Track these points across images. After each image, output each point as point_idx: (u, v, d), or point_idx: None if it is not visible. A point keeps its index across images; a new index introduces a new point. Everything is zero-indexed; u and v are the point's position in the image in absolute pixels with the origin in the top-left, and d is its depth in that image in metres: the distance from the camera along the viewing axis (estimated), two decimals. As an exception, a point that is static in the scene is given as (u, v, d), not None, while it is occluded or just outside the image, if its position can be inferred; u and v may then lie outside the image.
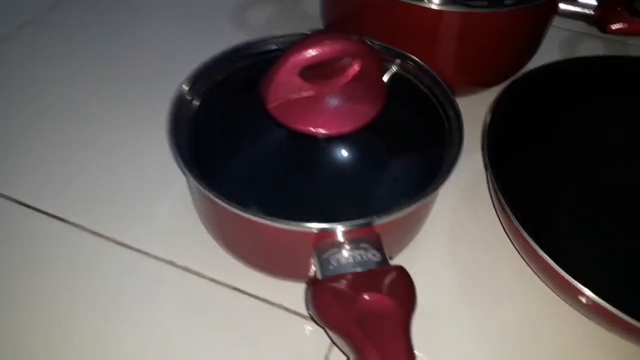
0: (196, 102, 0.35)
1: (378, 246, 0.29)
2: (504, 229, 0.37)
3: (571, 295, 0.31)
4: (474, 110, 0.44)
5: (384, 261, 0.28)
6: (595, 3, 0.44)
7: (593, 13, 0.44)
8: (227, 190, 0.29)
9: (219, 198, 0.29)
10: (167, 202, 0.40)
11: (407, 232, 0.35)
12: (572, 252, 0.36)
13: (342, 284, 0.27)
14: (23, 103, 0.47)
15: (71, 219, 0.39)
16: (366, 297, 0.26)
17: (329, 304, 0.27)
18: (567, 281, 0.29)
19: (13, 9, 0.56)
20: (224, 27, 0.55)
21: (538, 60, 0.46)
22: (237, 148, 0.33)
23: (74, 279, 0.36)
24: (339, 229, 0.28)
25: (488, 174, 0.34)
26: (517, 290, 0.36)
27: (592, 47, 0.56)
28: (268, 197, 0.31)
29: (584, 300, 0.30)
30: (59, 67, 0.50)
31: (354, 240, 0.29)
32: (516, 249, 0.36)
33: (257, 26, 0.56)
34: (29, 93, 0.48)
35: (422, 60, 0.43)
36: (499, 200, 0.33)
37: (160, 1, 0.59)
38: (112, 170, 0.42)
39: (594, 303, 0.29)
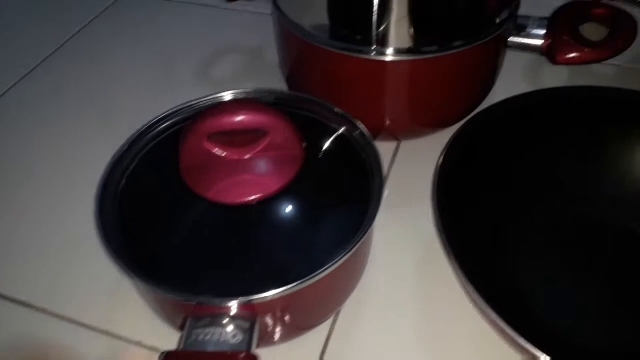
0: (122, 181, 0.36)
1: (247, 327, 0.29)
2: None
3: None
4: (431, 152, 0.44)
5: (246, 344, 0.28)
6: (544, 32, 0.44)
7: (542, 43, 0.44)
8: (147, 264, 0.30)
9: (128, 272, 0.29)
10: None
11: (319, 301, 0.34)
12: (533, 301, 0.35)
13: None
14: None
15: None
16: None
17: None
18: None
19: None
20: (188, 82, 0.56)
21: (501, 90, 0.47)
22: (157, 221, 0.34)
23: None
24: (199, 303, 0.29)
25: (438, 228, 0.34)
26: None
27: (555, 70, 0.55)
28: (188, 267, 0.32)
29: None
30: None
31: (225, 317, 0.29)
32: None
33: (222, 79, 0.57)
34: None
35: (375, 109, 0.44)
36: (452, 259, 0.32)
37: (126, 56, 0.60)
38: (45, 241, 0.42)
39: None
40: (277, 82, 0.53)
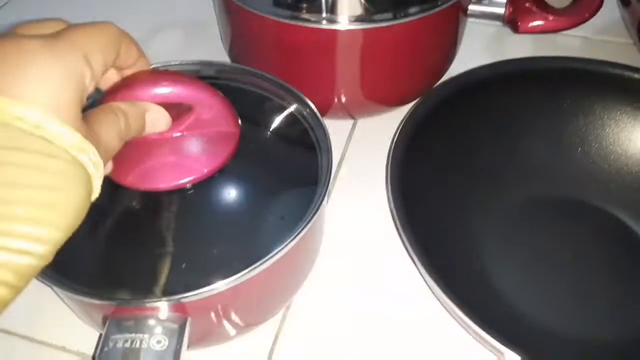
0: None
1: (174, 331, 0.25)
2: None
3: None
4: (388, 130, 0.41)
5: (172, 352, 0.25)
6: (505, 0, 0.41)
7: (504, 11, 0.41)
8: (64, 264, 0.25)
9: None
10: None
11: (264, 295, 0.30)
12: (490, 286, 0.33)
13: None
14: None
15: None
16: None
17: None
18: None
19: None
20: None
21: (462, 62, 0.44)
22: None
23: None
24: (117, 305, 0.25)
25: (393, 213, 0.31)
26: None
27: (520, 41, 0.53)
28: (108, 265, 0.28)
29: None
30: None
31: (149, 319, 0.25)
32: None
33: (163, 56, 0.52)
34: None
35: (327, 84, 0.40)
36: (407, 246, 0.29)
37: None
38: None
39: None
40: (220, 57, 0.49)
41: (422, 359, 0.32)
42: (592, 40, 0.53)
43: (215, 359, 0.32)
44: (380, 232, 0.37)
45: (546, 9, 0.39)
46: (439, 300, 0.31)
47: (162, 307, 0.25)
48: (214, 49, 0.51)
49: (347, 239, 0.37)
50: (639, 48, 0.48)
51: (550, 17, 0.39)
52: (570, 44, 0.52)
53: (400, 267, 0.35)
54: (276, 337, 0.33)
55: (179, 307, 0.26)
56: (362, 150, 0.43)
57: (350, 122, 0.45)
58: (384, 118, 0.45)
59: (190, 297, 0.25)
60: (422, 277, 0.31)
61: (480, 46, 0.52)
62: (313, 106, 0.34)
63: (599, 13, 0.41)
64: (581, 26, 0.44)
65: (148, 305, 0.25)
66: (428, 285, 0.32)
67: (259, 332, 0.33)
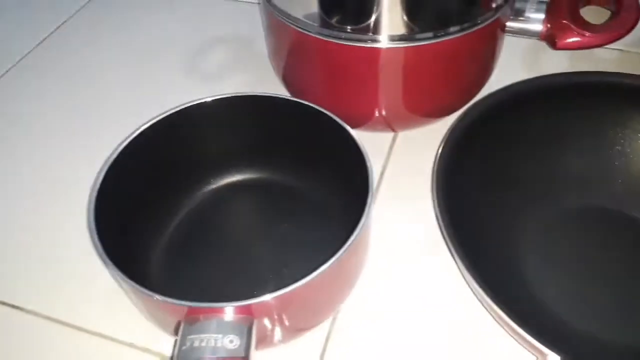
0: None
1: (244, 331, 0.27)
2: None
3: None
4: (431, 141, 0.43)
5: (243, 349, 0.27)
6: (543, 17, 0.42)
7: (541, 28, 0.42)
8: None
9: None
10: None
11: (318, 301, 0.32)
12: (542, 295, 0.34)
13: None
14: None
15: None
16: None
17: None
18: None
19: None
20: (177, 75, 0.55)
21: (500, 76, 0.45)
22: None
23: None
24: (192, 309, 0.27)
25: (439, 221, 0.33)
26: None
27: (555, 55, 0.54)
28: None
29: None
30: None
31: (221, 321, 0.27)
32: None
33: (211, 72, 0.55)
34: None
35: (370, 98, 0.42)
36: (455, 256, 0.31)
37: (111, 49, 0.59)
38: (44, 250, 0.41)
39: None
40: (267, 73, 0.52)
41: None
42: (629, 53, 0.53)
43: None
44: (421, 241, 0.39)
45: (583, 25, 0.40)
46: (484, 306, 0.32)
47: (232, 310, 0.28)
48: (260, 64, 0.54)
49: (390, 250, 0.39)
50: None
51: (587, 34, 0.40)
52: (606, 56, 0.53)
53: (444, 275, 0.37)
54: (326, 340, 0.35)
55: (247, 310, 0.28)
56: (402, 161, 0.45)
57: (390, 134, 0.47)
58: (423, 130, 0.46)
59: (258, 301, 0.27)
60: (469, 285, 0.32)
61: (516, 60, 0.53)
62: (352, 132, 0.36)
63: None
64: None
65: (220, 308, 0.27)
66: (474, 293, 0.33)
67: (309, 337, 0.35)
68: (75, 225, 0.41)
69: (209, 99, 0.37)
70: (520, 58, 0.54)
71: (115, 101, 0.52)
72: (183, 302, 0.27)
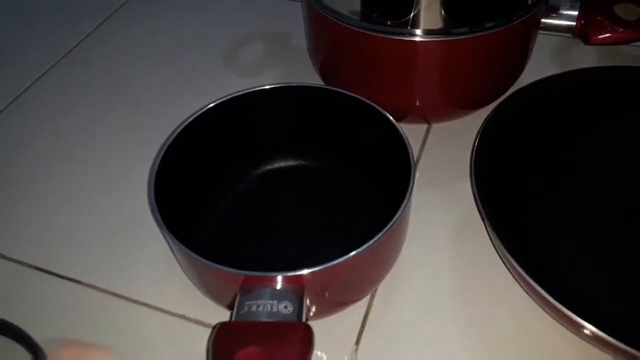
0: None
1: (296, 299, 0.29)
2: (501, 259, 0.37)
3: (575, 328, 0.31)
4: (464, 132, 0.45)
5: (296, 315, 0.29)
6: (576, 13, 0.44)
7: (575, 24, 0.44)
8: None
9: (190, 255, 0.31)
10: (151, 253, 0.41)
11: (361, 276, 0.34)
12: (574, 281, 0.35)
13: (238, 331, 0.28)
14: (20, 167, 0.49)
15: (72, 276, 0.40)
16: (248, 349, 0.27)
17: (220, 346, 0.28)
18: (571, 319, 0.29)
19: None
20: (215, 68, 0.57)
21: (530, 71, 0.47)
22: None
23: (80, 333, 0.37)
24: (252, 277, 0.29)
25: (478, 204, 0.35)
26: (516, 323, 0.36)
27: (584, 51, 0.55)
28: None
29: (587, 332, 0.29)
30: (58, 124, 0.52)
31: (275, 289, 0.29)
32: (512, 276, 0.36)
33: (249, 65, 0.58)
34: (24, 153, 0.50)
35: (406, 90, 0.44)
36: (494, 238, 0.33)
37: (150, 46, 0.61)
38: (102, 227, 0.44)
39: (597, 336, 0.28)
40: (305, 67, 0.54)
41: (509, 349, 0.35)
42: (658, 49, 0.54)
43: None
44: (459, 228, 0.41)
45: (617, 21, 0.42)
46: (530, 295, 0.33)
47: (285, 279, 0.30)
48: (296, 59, 0.56)
49: (427, 236, 0.41)
50: None
51: (620, 30, 0.41)
52: (635, 53, 0.54)
53: (479, 256, 0.39)
54: (365, 315, 0.37)
55: (298, 279, 0.30)
56: (437, 151, 0.47)
57: (424, 126, 0.49)
58: (455, 123, 0.48)
59: (311, 272, 0.29)
60: (516, 279, 0.34)
61: (546, 56, 0.54)
62: (390, 117, 0.38)
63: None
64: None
65: (274, 277, 0.30)
66: (522, 287, 0.35)
67: (349, 311, 0.37)
68: (135, 204, 0.44)
69: (267, 87, 0.40)
70: (550, 54, 0.55)
71: (163, 95, 0.55)
72: (240, 271, 0.30)
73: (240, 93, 0.39)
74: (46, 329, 0.37)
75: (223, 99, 0.39)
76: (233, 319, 0.29)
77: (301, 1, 0.63)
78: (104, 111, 0.54)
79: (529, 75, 0.45)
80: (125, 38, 0.63)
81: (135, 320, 0.37)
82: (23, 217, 0.45)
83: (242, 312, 0.29)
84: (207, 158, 0.40)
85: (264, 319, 0.28)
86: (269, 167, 0.43)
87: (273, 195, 0.41)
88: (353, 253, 0.30)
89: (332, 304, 0.34)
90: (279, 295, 0.29)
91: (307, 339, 0.28)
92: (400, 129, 0.37)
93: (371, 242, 0.30)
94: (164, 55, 0.60)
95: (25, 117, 0.54)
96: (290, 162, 0.43)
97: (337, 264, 0.30)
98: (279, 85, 0.40)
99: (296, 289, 0.30)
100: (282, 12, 0.64)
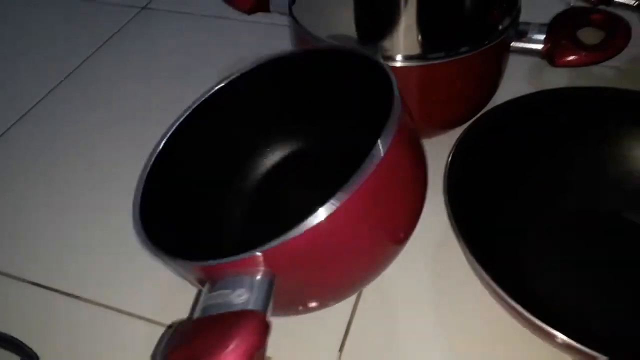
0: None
1: (251, 285, 0.26)
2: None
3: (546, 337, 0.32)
4: (441, 151, 0.47)
5: (253, 303, 0.25)
6: (543, 37, 0.47)
7: (542, 48, 0.47)
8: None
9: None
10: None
11: (331, 265, 0.29)
12: (544, 289, 0.38)
13: (179, 332, 0.26)
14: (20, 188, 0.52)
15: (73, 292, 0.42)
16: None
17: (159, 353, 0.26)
18: (542, 328, 0.31)
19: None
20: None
21: (507, 90, 0.49)
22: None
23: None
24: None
25: (450, 217, 0.37)
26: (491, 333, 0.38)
27: (558, 72, 0.58)
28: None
29: (558, 341, 0.31)
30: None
31: (231, 278, 0.26)
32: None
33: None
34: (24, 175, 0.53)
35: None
36: (463, 249, 0.35)
37: (149, 69, 0.64)
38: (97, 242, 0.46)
39: (567, 344, 0.30)
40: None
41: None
42: (624, 69, 0.58)
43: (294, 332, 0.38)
44: (439, 239, 0.43)
45: (580, 45, 0.45)
46: (500, 301, 0.36)
47: (242, 264, 0.26)
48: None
49: (408, 248, 0.42)
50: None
51: (583, 53, 0.45)
52: (604, 73, 0.58)
53: (463, 276, 0.40)
54: (349, 323, 0.39)
55: (249, 262, 0.26)
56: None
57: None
58: (432, 141, 0.51)
59: (273, 245, 0.26)
60: (487, 290, 0.36)
61: (522, 76, 0.58)
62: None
63: (629, 46, 0.47)
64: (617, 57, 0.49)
65: (235, 260, 0.26)
66: (496, 294, 0.37)
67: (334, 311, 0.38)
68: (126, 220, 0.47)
69: (247, 69, 0.41)
70: (525, 75, 0.58)
71: (158, 109, 0.58)
72: (194, 262, 0.28)
73: (222, 84, 0.41)
74: (39, 341, 0.39)
75: (204, 97, 0.41)
76: (196, 310, 0.27)
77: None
78: (98, 127, 0.57)
79: (506, 94, 0.48)
80: (126, 58, 0.66)
81: (124, 330, 0.40)
82: (11, 230, 0.48)
83: (200, 307, 0.27)
84: (199, 159, 0.41)
85: (215, 312, 0.25)
86: (266, 158, 0.44)
87: (273, 188, 0.42)
88: (308, 221, 0.26)
89: (311, 297, 0.31)
90: (233, 284, 0.26)
91: (248, 330, 0.24)
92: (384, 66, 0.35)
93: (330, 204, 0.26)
94: (164, 77, 0.63)
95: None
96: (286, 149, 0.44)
97: (297, 232, 0.26)
98: (261, 63, 0.41)
99: (250, 273, 0.27)
100: (281, 37, 0.67)
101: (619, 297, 0.38)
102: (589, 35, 0.47)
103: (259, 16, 0.65)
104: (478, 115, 0.45)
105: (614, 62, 0.55)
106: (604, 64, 0.50)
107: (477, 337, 0.38)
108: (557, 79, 0.57)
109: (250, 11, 0.53)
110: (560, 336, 0.30)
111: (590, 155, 0.43)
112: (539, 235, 0.41)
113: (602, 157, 0.42)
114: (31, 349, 0.37)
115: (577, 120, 0.43)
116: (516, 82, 0.56)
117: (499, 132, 0.43)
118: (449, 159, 0.40)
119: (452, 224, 0.36)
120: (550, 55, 0.46)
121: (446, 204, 0.37)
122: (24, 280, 0.43)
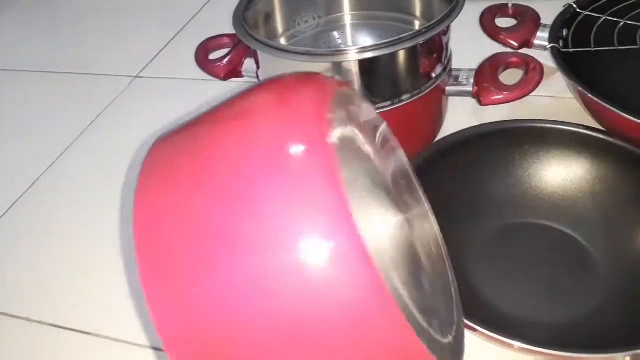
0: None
1: None
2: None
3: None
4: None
5: None
6: (472, 81, 0.56)
7: (471, 89, 0.56)
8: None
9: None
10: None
11: None
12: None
13: None
14: None
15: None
16: None
17: None
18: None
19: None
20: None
21: (453, 123, 0.58)
22: None
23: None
24: None
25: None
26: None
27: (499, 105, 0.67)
28: None
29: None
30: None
31: None
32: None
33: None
34: None
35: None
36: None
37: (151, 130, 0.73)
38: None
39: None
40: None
41: None
42: (557, 98, 0.66)
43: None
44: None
45: (501, 86, 0.54)
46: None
47: None
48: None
49: None
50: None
51: (504, 92, 0.54)
52: (540, 102, 0.66)
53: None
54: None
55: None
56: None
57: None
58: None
59: None
60: None
61: (467, 110, 0.66)
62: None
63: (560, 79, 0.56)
64: (548, 88, 0.59)
65: None
66: None
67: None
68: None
69: None
70: (470, 109, 0.67)
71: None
72: None
73: None
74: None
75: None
76: None
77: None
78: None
79: (452, 127, 0.57)
80: (127, 119, 0.75)
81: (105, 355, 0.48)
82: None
83: None
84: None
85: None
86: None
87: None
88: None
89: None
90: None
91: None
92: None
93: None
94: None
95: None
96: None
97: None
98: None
99: None
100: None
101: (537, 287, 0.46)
102: (516, 74, 0.57)
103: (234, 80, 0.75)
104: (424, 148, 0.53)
105: (548, 92, 0.64)
106: (540, 94, 0.58)
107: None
108: (499, 111, 0.65)
109: (225, 77, 0.63)
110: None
111: (499, 178, 0.51)
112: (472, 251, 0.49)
113: (510, 178, 0.51)
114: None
115: (502, 148, 0.52)
116: (463, 115, 0.65)
117: (443, 160, 0.51)
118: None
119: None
120: (478, 96, 0.55)
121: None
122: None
